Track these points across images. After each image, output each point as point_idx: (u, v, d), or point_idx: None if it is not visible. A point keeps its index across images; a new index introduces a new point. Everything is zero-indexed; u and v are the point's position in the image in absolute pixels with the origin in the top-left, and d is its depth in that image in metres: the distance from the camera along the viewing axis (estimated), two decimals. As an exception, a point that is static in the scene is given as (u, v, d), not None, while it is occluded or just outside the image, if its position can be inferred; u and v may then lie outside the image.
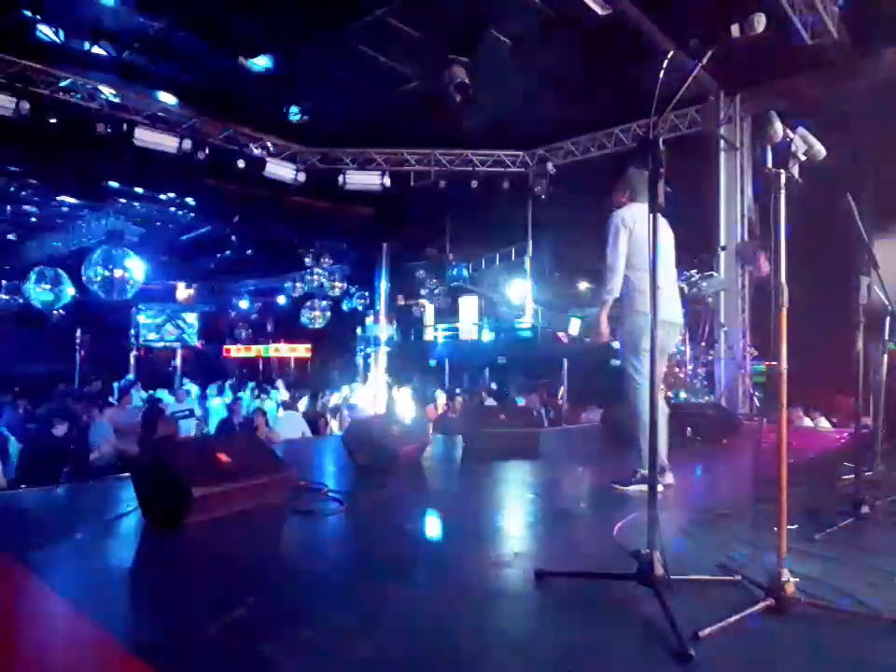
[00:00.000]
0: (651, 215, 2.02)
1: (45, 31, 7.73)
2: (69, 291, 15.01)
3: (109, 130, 8.81)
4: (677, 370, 9.89)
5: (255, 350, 23.25)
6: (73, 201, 13.32)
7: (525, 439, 4.96)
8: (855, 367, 3.24)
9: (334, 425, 9.45)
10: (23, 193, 12.32)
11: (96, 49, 8.18)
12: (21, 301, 16.14)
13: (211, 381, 14.37)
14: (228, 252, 16.66)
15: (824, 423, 7.99)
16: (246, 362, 23.45)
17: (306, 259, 16.63)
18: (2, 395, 10.24)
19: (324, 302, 18.40)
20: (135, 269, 13.85)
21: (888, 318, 3.64)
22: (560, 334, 14.24)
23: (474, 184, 11.29)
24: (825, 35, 7.25)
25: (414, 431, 4.73)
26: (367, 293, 17.70)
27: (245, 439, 4.18)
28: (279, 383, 14.18)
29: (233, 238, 15.59)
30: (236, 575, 2.28)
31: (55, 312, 16.33)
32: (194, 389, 13.45)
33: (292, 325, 20.59)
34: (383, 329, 13.96)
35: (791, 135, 2.11)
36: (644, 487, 3.45)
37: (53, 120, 8.45)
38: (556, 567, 2.22)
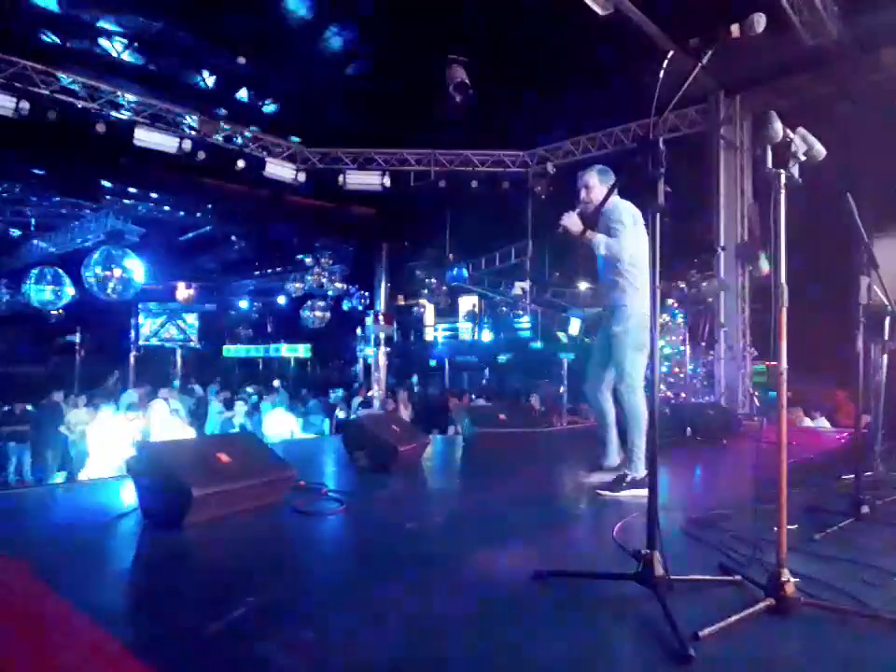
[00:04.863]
0: (652, 214, 2.02)
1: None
2: (69, 291, 15.00)
3: (109, 130, 8.82)
4: (676, 370, 9.90)
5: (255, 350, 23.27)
6: (73, 200, 13.33)
7: (526, 439, 4.97)
8: (855, 367, 3.24)
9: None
10: (23, 193, 12.32)
11: (97, 50, 8.19)
12: (21, 301, 16.14)
13: (211, 381, 14.38)
14: (228, 252, 16.67)
15: (824, 423, 7.99)
16: (246, 362, 23.47)
17: (306, 259, 16.64)
18: None
19: (324, 302, 18.40)
20: (135, 269, 13.85)
21: (888, 318, 3.64)
22: (560, 334, 14.25)
23: (474, 184, 11.30)
24: (825, 35, 7.25)
25: (415, 431, 4.74)
26: (367, 293, 17.71)
27: (246, 439, 4.17)
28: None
29: (233, 238, 15.59)
30: (236, 575, 2.28)
31: (55, 312, 16.31)
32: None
33: (292, 325, 20.60)
34: (382, 328, 13.96)
35: (791, 135, 2.11)
36: (638, 492, 3.38)
37: (53, 120, 8.45)
38: (556, 567, 2.21)
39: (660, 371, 9.40)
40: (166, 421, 8.14)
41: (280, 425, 9.16)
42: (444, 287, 16.62)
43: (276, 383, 15.25)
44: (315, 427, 10.25)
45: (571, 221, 3.51)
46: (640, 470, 3.51)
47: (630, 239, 3.46)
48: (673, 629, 1.70)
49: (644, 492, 3.42)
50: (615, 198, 3.54)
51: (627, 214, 3.49)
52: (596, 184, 3.65)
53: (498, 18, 7.35)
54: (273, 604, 1.99)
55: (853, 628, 1.86)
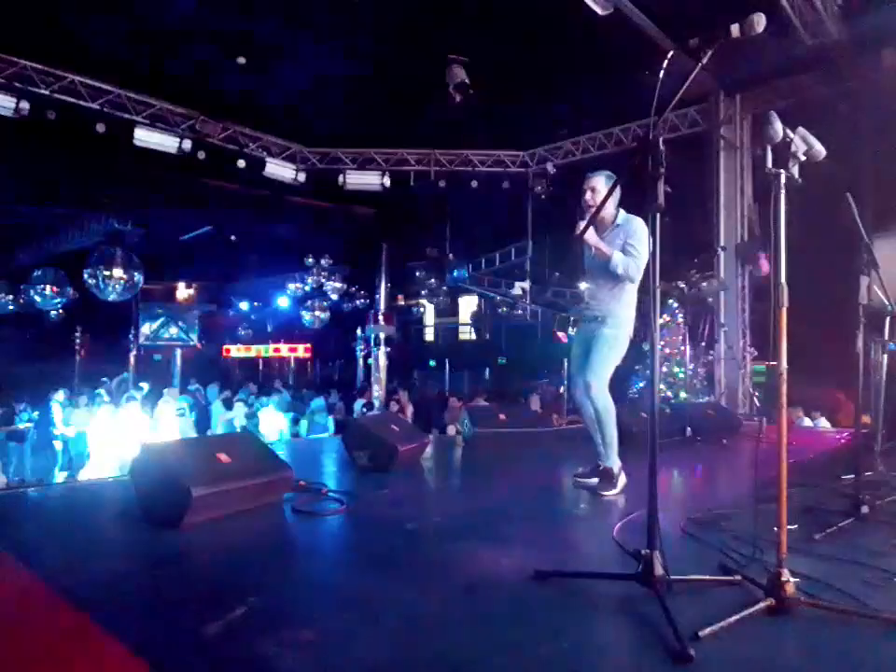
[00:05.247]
0: (652, 214, 2.02)
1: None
2: (69, 291, 15.01)
3: (109, 130, 8.82)
4: (676, 369, 9.89)
5: (255, 350, 23.27)
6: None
7: (526, 439, 4.97)
8: (855, 367, 3.25)
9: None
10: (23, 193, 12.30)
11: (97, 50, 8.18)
12: (21, 300, 16.14)
13: (211, 381, 14.38)
14: (228, 252, 16.65)
15: (824, 423, 7.99)
16: (246, 362, 23.47)
17: (306, 260, 16.62)
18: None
19: (324, 302, 18.39)
20: (135, 269, 13.83)
21: (888, 318, 3.64)
22: (560, 334, 14.25)
23: (474, 184, 11.29)
24: (825, 35, 7.25)
25: (415, 431, 4.74)
26: (367, 293, 17.70)
27: (246, 439, 4.17)
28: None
29: (233, 238, 15.57)
30: (236, 575, 2.28)
31: (55, 312, 16.31)
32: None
33: (292, 325, 20.59)
34: (382, 328, 13.96)
35: (791, 135, 2.11)
36: (623, 480, 3.60)
37: (53, 120, 8.45)
38: (556, 567, 2.21)
39: (659, 370, 9.41)
40: (172, 422, 8.17)
41: (270, 424, 9.14)
42: (444, 287, 16.62)
43: (277, 383, 15.26)
44: (320, 427, 10.24)
45: (590, 235, 3.51)
46: (616, 461, 3.63)
47: (645, 260, 3.43)
48: (673, 629, 1.70)
49: (623, 478, 3.59)
50: (633, 216, 3.55)
51: (647, 235, 3.46)
52: (603, 189, 3.64)
53: (499, 17, 7.35)
54: (272, 604, 1.99)
55: (853, 628, 1.86)
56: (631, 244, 3.48)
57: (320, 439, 9.26)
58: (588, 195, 3.66)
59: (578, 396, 3.76)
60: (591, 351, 3.60)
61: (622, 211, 3.63)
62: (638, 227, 3.49)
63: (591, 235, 3.50)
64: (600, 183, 3.66)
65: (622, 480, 3.62)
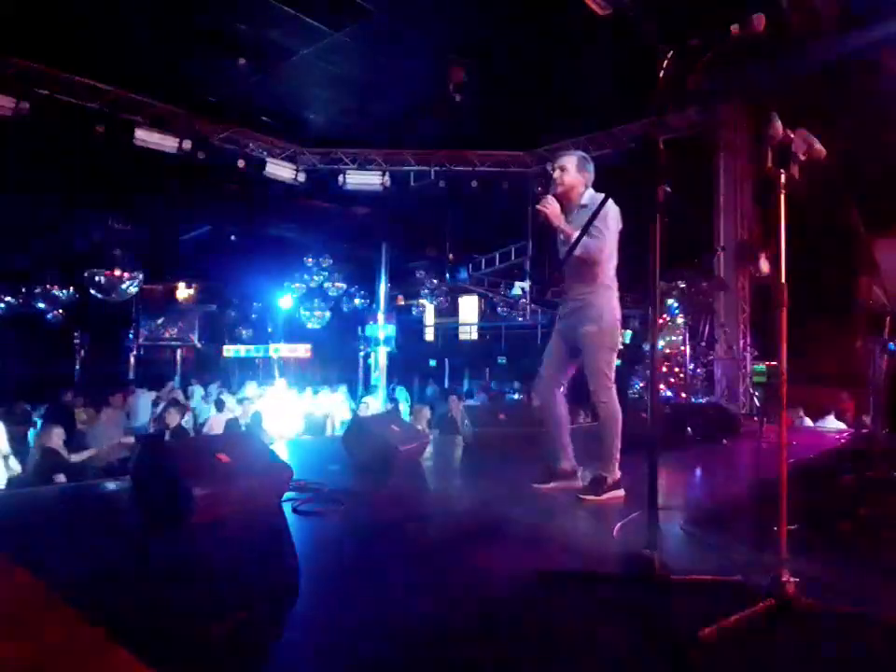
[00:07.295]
0: (652, 214, 2.02)
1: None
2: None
3: (109, 130, 8.83)
4: (676, 370, 9.90)
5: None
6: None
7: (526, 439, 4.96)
8: (855, 367, 3.25)
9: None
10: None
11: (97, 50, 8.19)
12: (21, 301, 16.14)
13: (211, 381, 14.37)
14: (228, 252, 16.66)
15: (832, 422, 7.92)
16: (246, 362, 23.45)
17: (306, 260, 16.64)
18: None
19: (324, 303, 18.40)
20: (135, 269, 13.84)
21: (888, 318, 3.64)
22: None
23: (474, 184, 11.30)
24: (825, 35, 7.25)
25: (415, 431, 4.75)
26: (367, 293, 17.72)
27: (246, 439, 4.17)
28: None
29: (233, 238, 15.59)
30: (236, 575, 2.28)
31: (54, 312, 16.32)
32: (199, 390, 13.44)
33: (292, 325, 20.58)
34: (382, 328, 13.96)
35: (791, 135, 2.11)
36: (616, 494, 3.39)
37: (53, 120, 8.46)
38: (556, 568, 2.21)
39: (659, 370, 9.40)
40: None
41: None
42: (444, 287, 16.64)
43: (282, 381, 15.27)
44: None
45: (553, 210, 3.38)
46: (616, 472, 3.44)
47: (610, 242, 3.34)
48: (673, 629, 1.70)
49: (620, 493, 3.41)
50: (601, 196, 3.30)
51: (613, 219, 3.36)
52: (573, 168, 3.52)
53: (498, 18, 7.35)
54: (272, 604, 1.99)
55: (853, 628, 1.86)
56: (597, 224, 3.21)
57: (320, 438, 9.26)
58: (557, 173, 3.55)
59: (540, 390, 3.63)
60: (584, 362, 3.44)
61: (589, 191, 3.50)
62: (607, 210, 3.25)
63: (556, 216, 3.38)
64: (571, 162, 3.53)
65: (615, 494, 3.40)
